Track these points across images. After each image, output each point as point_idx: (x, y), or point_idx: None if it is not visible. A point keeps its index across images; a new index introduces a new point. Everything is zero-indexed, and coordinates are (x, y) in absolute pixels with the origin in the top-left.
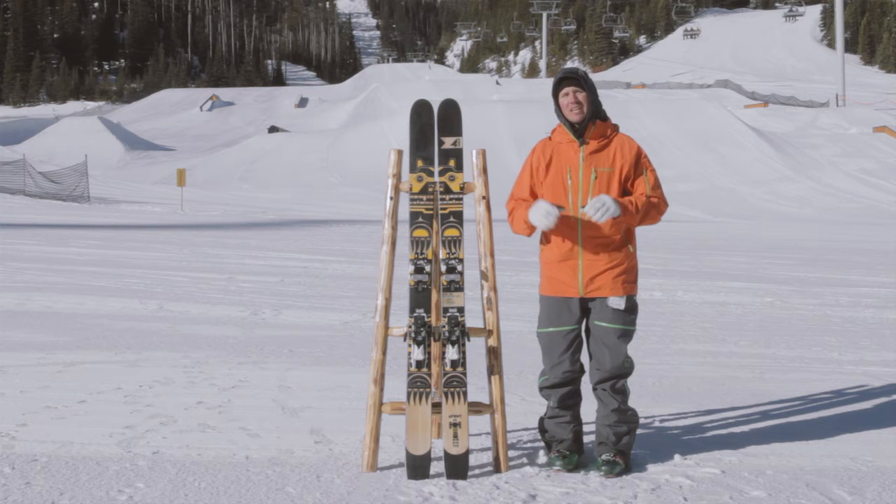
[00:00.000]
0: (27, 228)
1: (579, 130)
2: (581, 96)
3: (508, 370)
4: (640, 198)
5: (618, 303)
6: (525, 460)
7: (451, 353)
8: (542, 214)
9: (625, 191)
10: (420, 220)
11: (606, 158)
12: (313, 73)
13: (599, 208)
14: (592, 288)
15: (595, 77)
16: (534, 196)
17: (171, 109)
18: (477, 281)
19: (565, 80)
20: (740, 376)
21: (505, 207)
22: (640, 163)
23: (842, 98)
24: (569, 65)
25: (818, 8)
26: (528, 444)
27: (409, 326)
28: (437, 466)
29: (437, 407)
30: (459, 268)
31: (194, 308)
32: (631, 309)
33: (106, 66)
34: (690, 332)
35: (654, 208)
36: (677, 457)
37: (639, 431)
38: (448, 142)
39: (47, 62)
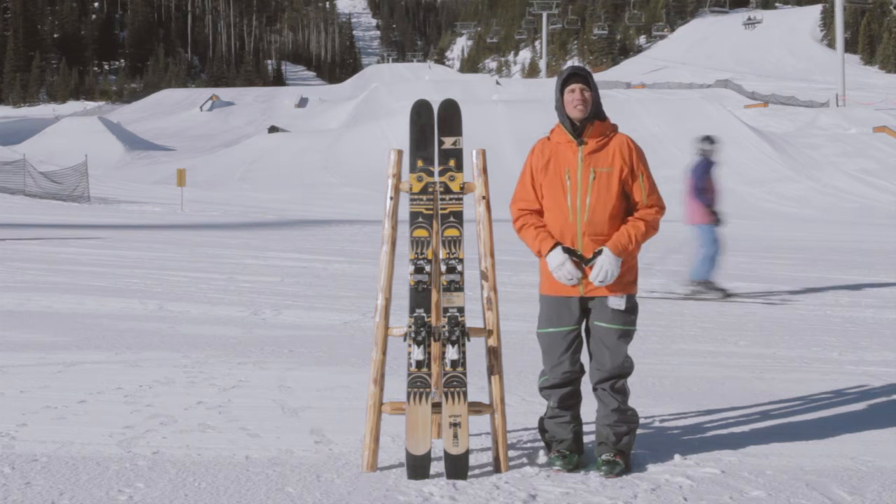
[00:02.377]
0: (27, 228)
1: (578, 130)
2: (588, 94)
3: (508, 370)
4: (635, 224)
5: (618, 303)
6: (525, 460)
7: (451, 353)
8: (565, 279)
9: (624, 189)
10: (420, 220)
11: (605, 158)
12: (313, 73)
13: (603, 279)
14: (592, 288)
15: (596, 77)
16: (538, 198)
17: (171, 109)
18: (477, 281)
19: (574, 76)
20: (740, 376)
21: (509, 210)
22: (636, 166)
23: (842, 98)
24: (568, 64)
25: (818, 8)
26: (528, 444)
27: (409, 326)
28: (437, 466)
29: (437, 407)
30: (459, 268)
31: (194, 308)
32: (631, 309)
33: (106, 66)
34: (690, 332)
35: (651, 228)
36: (677, 457)
37: (639, 431)
38: (448, 142)
39: (47, 62)
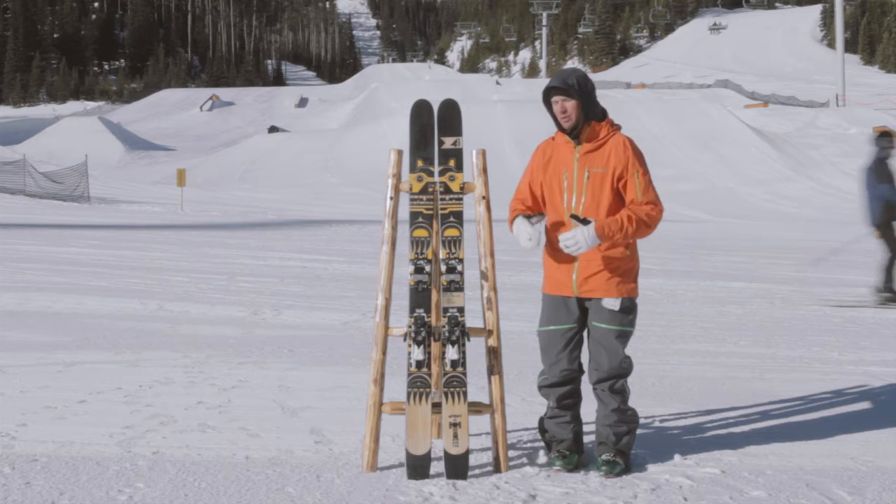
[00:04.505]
0: (27, 228)
1: (574, 133)
2: (569, 105)
3: (508, 370)
4: (630, 213)
5: (612, 304)
6: (525, 460)
7: (451, 353)
8: (524, 239)
9: (619, 190)
10: (420, 220)
11: (600, 159)
12: (313, 73)
13: (569, 247)
14: (586, 288)
15: (595, 77)
16: (532, 195)
17: (171, 109)
18: (477, 281)
19: (552, 89)
20: (740, 376)
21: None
22: (631, 164)
23: (842, 98)
24: (569, 64)
25: (818, 8)
26: (528, 444)
27: (409, 326)
28: (437, 466)
29: (437, 407)
30: (459, 268)
31: (194, 308)
32: (628, 310)
33: (106, 66)
34: (690, 332)
35: (643, 225)
36: (677, 457)
37: (639, 431)
38: (448, 142)
39: (47, 62)
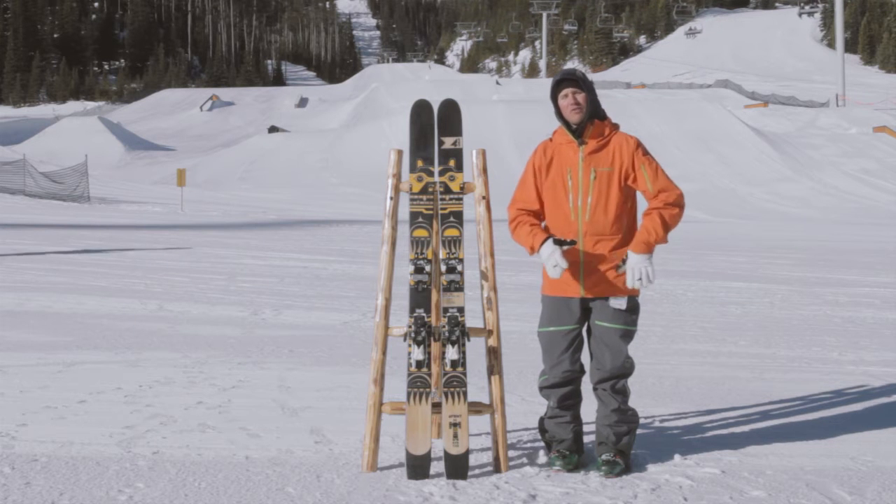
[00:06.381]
0: (27, 228)
1: (578, 131)
2: (580, 97)
3: (508, 370)
4: (649, 221)
5: (619, 303)
6: (525, 460)
7: (451, 353)
8: (551, 267)
9: (626, 189)
10: (420, 220)
11: (606, 158)
12: (313, 73)
13: (640, 278)
14: (593, 288)
15: (595, 77)
16: (539, 199)
17: (171, 109)
18: (477, 281)
19: (564, 81)
20: (740, 376)
21: (507, 211)
22: (636, 159)
23: (842, 98)
24: (569, 65)
25: (818, 8)
26: (528, 444)
27: (409, 326)
28: (437, 466)
29: (437, 407)
30: (459, 268)
31: (194, 308)
32: (632, 309)
33: (106, 66)
34: (690, 332)
35: (669, 217)
36: (677, 457)
37: (639, 431)
38: (448, 142)
39: (47, 62)
